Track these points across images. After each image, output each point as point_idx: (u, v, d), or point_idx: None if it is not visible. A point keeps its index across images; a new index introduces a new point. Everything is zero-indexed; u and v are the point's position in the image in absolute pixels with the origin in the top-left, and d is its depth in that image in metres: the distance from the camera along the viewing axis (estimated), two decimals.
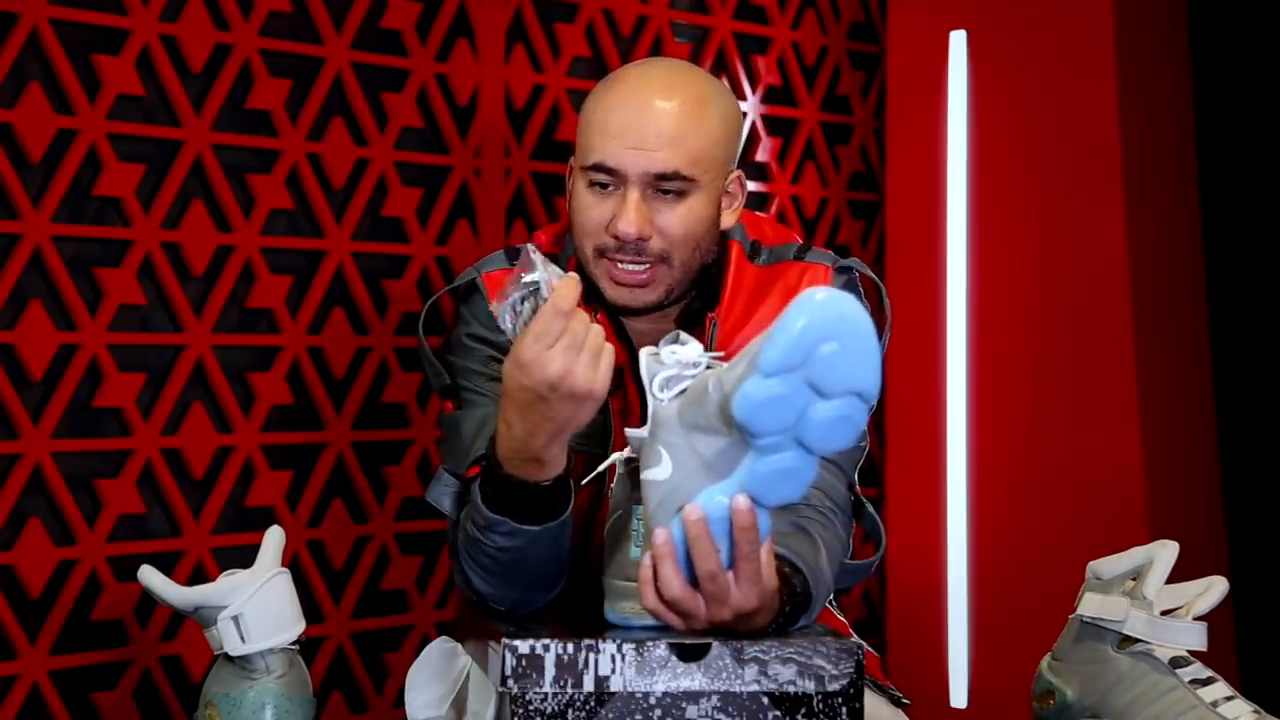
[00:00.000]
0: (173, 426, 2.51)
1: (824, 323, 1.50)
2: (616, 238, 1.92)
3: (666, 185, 1.92)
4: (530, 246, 1.72)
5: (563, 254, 2.04)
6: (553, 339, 1.68)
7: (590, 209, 1.94)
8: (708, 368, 1.61)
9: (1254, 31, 3.23)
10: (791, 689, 1.59)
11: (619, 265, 1.94)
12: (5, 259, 2.35)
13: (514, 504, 1.77)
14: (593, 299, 1.99)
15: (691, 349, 1.61)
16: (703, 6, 3.18)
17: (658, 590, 1.60)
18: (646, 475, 1.60)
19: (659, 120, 1.92)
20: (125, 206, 2.46)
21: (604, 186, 1.93)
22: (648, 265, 1.94)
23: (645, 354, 1.65)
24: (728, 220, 2.02)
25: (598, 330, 1.70)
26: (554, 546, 1.82)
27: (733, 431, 1.54)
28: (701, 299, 2.01)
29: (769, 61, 3.26)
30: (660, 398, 1.60)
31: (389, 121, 2.73)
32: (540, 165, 2.90)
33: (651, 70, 2.00)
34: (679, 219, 1.93)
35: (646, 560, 1.60)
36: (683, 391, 1.60)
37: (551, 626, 1.67)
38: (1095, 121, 3.11)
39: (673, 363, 1.61)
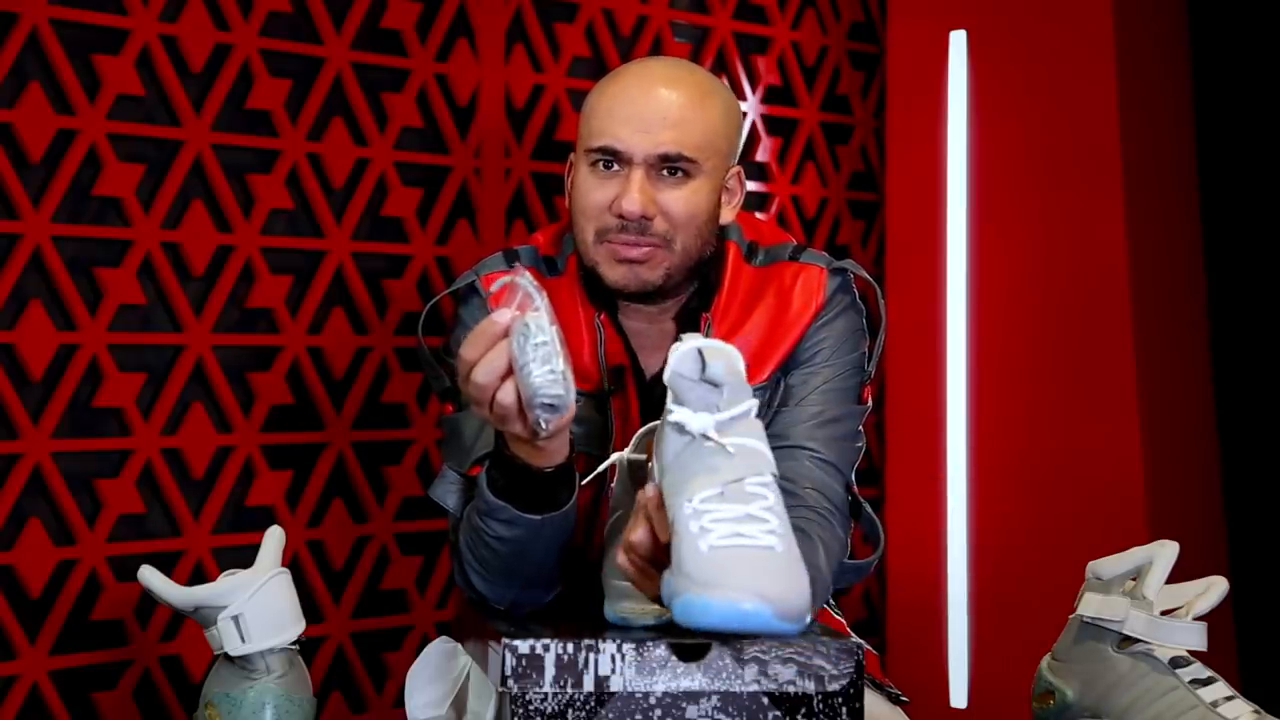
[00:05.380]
0: (173, 426, 2.51)
1: None
2: (621, 217, 1.93)
3: (670, 167, 1.94)
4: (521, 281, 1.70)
5: (560, 254, 2.05)
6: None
7: (593, 191, 1.96)
8: (705, 439, 1.59)
9: (1254, 32, 3.23)
10: (791, 689, 1.59)
11: (619, 243, 1.94)
12: (5, 259, 2.35)
13: (517, 490, 1.78)
14: (593, 297, 2.00)
15: (700, 419, 1.60)
16: (703, 6, 3.18)
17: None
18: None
19: (664, 106, 1.94)
20: (125, 206, 2.46)
21: (608, 167, 1.94)
22: (650, 245, 1.95)
23: (678, 358, 1.63)
24: (727, 215, 2.02)
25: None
26: (553, 541, 1.82)
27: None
28: (698, 298, 2.02)
29: (769, 61, 3.25)
30: (672, 420, 1.60)
31: (389, 121, 2.73)
32: (540, 165, 2.90)
33: (654, 64, 2.03)
34: (681, 200, 1.95)
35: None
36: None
37: (551, 626, 1.67)
38: (1095, 121, 3.11)
39: (678, 420, 1.60)
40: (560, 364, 1.64)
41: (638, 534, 1.65)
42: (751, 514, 1.53)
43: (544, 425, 1.66)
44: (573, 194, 1.99)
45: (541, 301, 1.67)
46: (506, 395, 1.68)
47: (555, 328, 1.66)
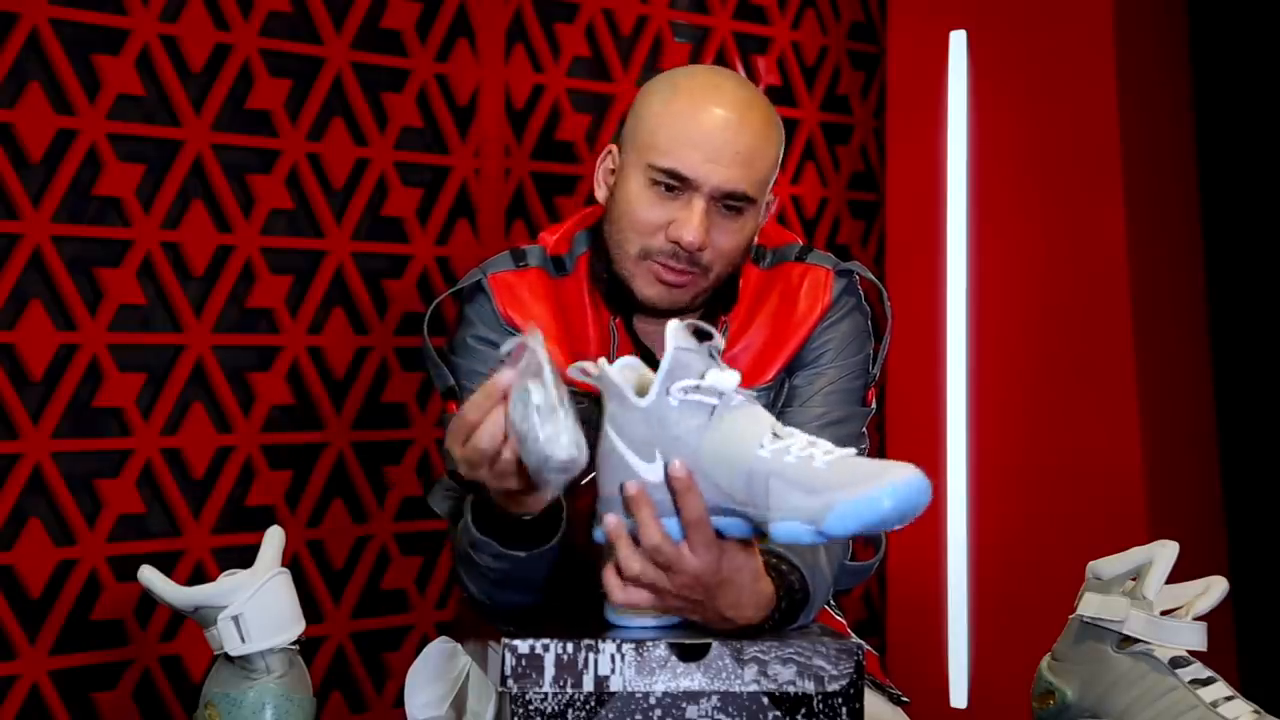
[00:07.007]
0: (173, 426, 2.51)
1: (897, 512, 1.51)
2: (676, 243, 1.91)
3: (729, 204, 1.92)
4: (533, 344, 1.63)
5: (570, 254, 2.03)
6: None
7: (649, 208, 1.92)
8: (737, 394, 1.58)
9: (1254, 31, 3.23)
10: (791, 689, 1.59)
11: (666, 266, 1.93)
12: (5, 259, 2.35)
13: (501, 528, 1.77)
14: (610, 300, 1.99)
15: (729, 377, 1.58)
16: (703, 6, 3.18)
17: (620, 575, 1.60)
18: (638, 469, 1.61)
19: (736, 138, 1.90)
20: (125, 206, 2.46)
21: (668, 189, 1.92)
22: (692, 273, 1.93)
23: (675, 333, 1.62)
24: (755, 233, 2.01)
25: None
26: (544, 568, 1.81)
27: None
28: (711, 303, 2.01)
29: (769, 61, 3.26)
30: (671, 399, 1.58)
31: (389, 121, 2.73)
32: (540, 165, 2.90)
33: (726, 84, 1.96)
34: (731, 236, 1.93)
35: (609, 567, 1.61)
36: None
37: (551, 626, 1.67)
38: (1095, 122, 3.11)
39: (713, 384, 1.59)
40: (561, 421, 1.58)
41: (637, 566, 1.60)
42: (812, 441, 1.55)
43: (554, 487, 1.62)
44: (619, 200, 1.95)
45: (547, 366, 1.62)
46: (506, 460, 1.63)
47: (556, 391, 1.59)
